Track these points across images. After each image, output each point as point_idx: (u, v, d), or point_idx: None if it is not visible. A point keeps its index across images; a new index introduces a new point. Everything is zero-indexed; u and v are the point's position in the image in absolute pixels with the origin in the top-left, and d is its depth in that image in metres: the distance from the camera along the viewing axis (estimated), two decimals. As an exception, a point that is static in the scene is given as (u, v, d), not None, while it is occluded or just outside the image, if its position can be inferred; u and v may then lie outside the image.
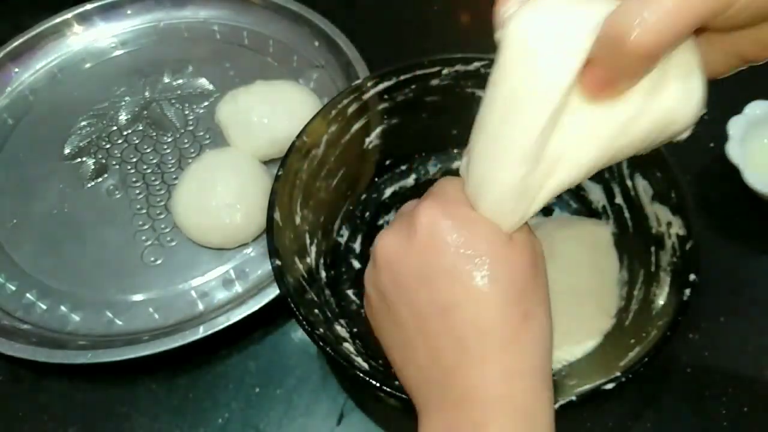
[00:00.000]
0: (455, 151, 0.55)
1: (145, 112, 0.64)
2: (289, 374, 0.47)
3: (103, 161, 0.60)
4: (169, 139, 0.61)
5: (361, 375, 0.36)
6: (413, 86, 0.50)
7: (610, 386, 0.35)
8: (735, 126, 0.53)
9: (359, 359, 0.40)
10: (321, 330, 0.39)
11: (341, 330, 0.43)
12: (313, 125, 0.47)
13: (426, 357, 0.30)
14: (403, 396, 0.36)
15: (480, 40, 0.69)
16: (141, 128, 0.63)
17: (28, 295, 0.52)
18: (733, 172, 0.51)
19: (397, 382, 0.39)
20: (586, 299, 0.44)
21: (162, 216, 0.56)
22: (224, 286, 0.51)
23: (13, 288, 0.52)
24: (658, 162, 0.43)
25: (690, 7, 0.23)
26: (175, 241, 0.54)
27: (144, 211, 0.57)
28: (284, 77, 0.63)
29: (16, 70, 0.67)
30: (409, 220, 0.31)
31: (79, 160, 0.61)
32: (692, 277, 0.38)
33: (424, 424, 0.31)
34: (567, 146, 0.28)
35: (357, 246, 0.51)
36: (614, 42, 0.24)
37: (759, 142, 0.54)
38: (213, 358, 0.48)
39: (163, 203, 0.57)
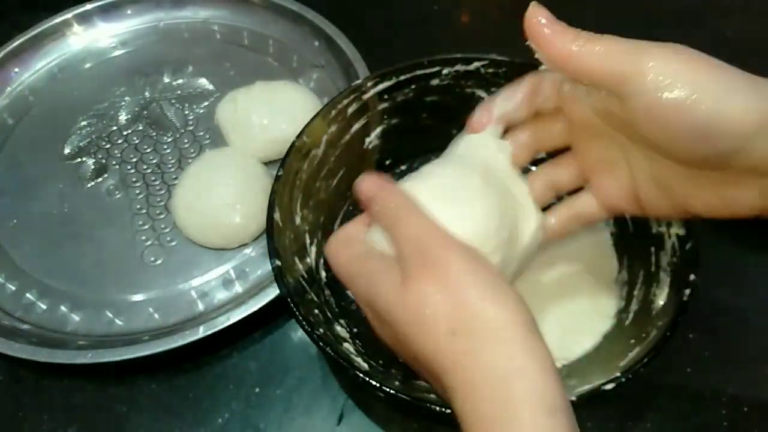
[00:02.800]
0: (455, 151, 0.55)
1: (145, 112, 0.64)
2: (289, 374, 0.47)
3: (103, 161, 0.60)
4: (169, 139, 0.61)
5: (361, 375, 0.36)
6: (413, 86, 0.50)
7: (610, 386, 0.35)
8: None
9: (359, 359, 0.40)
10: (321, 330, 0.39)
11: (341, 330, 0.43)
12: (313, 125, 0.47)
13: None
14: (403, 396, 0.36)
15: (480, 40, 0.70)
16: (141, 128, 0.63)
17: (28, 295, 0.52)
18: (733, 172, 0.51)
19: (397, 383, 0.39)
20: (585, 300, 0.44)
21: (162, 216, 0.56)
22: (224, 286, 0.51)
23: (13, 288, 0.52)
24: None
25: None
26: (175, 241, 0.54)
27: (144, 211, 0.57)
28: (284, 77, 0.63)
29: (16, 70, 0.67)
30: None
31: (79, 160, 0.61)
32: (692, 277, 0.38)
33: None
34: None
35: (357, 246, 0.51)
36: None
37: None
38: (213, 358, 0.48)
39: (163, 203, 0.57)
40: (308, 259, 0.46)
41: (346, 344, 0.42)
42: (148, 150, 0.61)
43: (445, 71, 0.50)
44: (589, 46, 0.28)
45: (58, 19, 0.69)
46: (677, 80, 0.26)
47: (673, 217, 0.33)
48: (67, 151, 0.61)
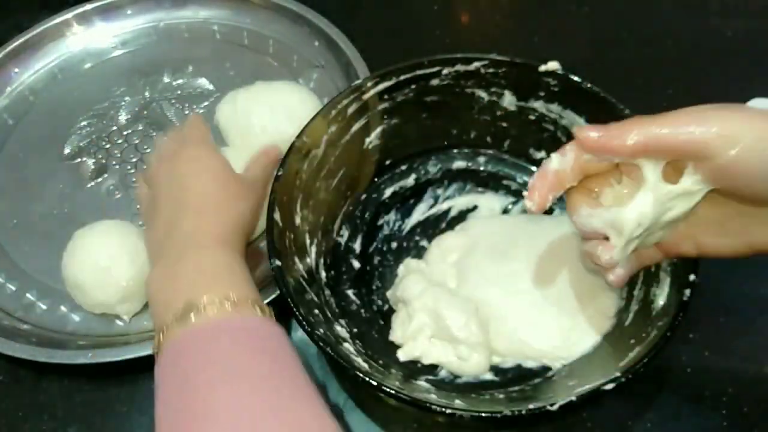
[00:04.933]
0: (455, 151, 0.55)
1: (145, 112, 0.64)
2: (289, 374, 0.47)
3: (103, 161, 0.60)
4: (169, 139, 0.61)
5: (361, 375, 0.36)
6: (413, 86, 0.50)
7: (610, 386, 0.35)
8: (735, 125, 0.52)
9: (359, 359, 0.40)
10: (321, 330, 0.39)
11: (341, 330, 0.43)
12: (313, 125, 0.47)
13: (164, 221, 0.43)
14: (403, 396, 0.36)
15: (480, 40, 0.70)
16: (141, 128, 0.63)
17: (28, 295, 0.52)
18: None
19: (397, 383, 0.39)
20: (585, 299, 0.44)
21: (162, 216, 0.56)
22: (224, 286, 0.51)
23: (13, 288, 0.52)
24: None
25: None
26: (175, 241, 0.54)
27: (144, 211, 0.56)
28: (284, 77, 0.63)
29: (16, 70, 0.67)
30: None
31: (79, 160, 0.61)
32: (692, 277, 0.38)
33: (153, 267, 0.41)
34: None
35: (357, 246, 0.51)
36: None
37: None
38: (213, 358, 0.48)
39: (163, 203, 0.57)
40: (308, 259, 0.46)
41: (346, 344, 0.42)
42: (148, 150, 0.61)
43: (445, 71, 0.50)
44: (654, 128, 0.31)
45: (58, 19, 0.69)
46: (741, 138, 0.29)
47: (735, 256, 0.34)
48: (67, 151, 0.61)
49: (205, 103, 0.64)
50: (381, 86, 0.49)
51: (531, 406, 0.35)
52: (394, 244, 0.51)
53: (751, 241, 0.33)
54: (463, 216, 0.53)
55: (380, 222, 0.53)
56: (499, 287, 0.46)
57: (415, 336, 0.44)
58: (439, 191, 0.54)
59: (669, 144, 0.31)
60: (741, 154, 0.29)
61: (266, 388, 0.32)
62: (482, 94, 0.51)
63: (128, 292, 0.48)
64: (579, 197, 0.35)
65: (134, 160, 0.60)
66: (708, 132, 0.29)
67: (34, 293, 0.52)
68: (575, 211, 0.36)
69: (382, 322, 0.47)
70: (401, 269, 0.49)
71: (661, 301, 0.40)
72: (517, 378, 0.43)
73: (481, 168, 0.55)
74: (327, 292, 0.46)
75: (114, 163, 0.60)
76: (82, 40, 0.70)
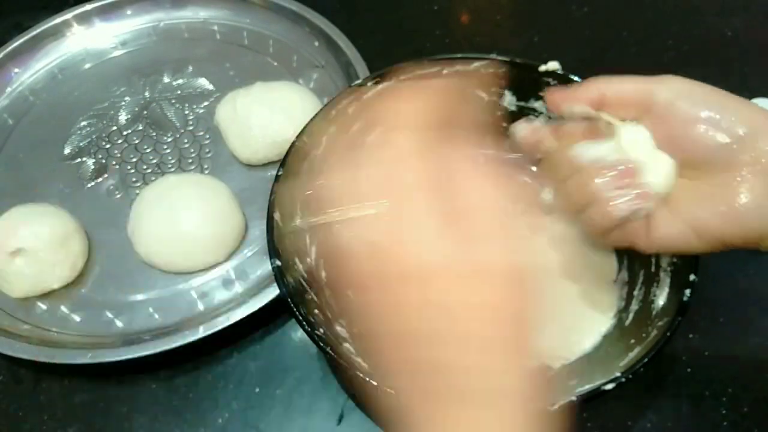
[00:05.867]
0: (455, 151, 0.55)
1: (145, 112, 0.64)
2: (289, 374, 0.47)
3: (103, 161, 0.60)
4: (169, 139, 0.61)
5: (361, 375, 0.36)
6: (413, 86, 0.50)
7: (610, 386, 0.35)
8: (735, 126, 0.52)
9: (359, 359, 0.40)
10: (321, 330, 0.39)
11: (341, 330, 0.43)
12: (313, 125, 0.47)
13: None
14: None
15: (480, 40, 0.70)
16: (141, 128, 0.63)
17: (28, 295, 0.52)
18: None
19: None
20: (585, 299, 0.44)
21: (162, 216, 0.56)
22: (224, 286, 0.51)
23: (13, 288, 0.52)
24: (658, 162, 0.43)
25: None
26: (175, 241, 0.54)
27: (144, 211, 0.56)
28: (284, 77, 0.63)
29: (16, 70, 0.67)
30: None
31: (79, 160, 0.61)
32: (692, 277, 0.38)
33: None
34: None
35: (357, 246, 0.51)
36: None
37: (759, 142, 0.54)
38: (213, 358, 0.48)
39: (163, 203, 0.57)
40: (308, 259, 0.46)
41: (346, 344, 0.42)
42: (148, 150, 0.61)
43: (445, 71, 0.50)
44: (609, 81, 0.36)
45: (58, 19, 0.69)
46: (679, 88, 0.34)
47: (706, 251, 0.34)
48: (67, 151, 0.61)
49: (205, 103, 0.64)
50: (381, 86, 0.49)
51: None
52: (394, 244, 0.51)
53: (695, 223, 0.33)
54: (463, 216, 0.53)
55: (380, 222, 0.52)
56: (499, 287, 0.46)
57: None
58: (439, 191, 0.54)
59: (621, 91, 0.36)
60: (677, 98, 0.34)
61: None
62: (482, 94, 0.51)
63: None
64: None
65: (134, 160, 0.60)
66: (651, 81, 0.35)
67: (34, 293, 0.52)
68: (571, 148, 0.36)
69: (382, 322, 0.47)
70: None
71: (661, 301, 0.40)
72: (517, 378, 0.43)
73: (481, 168, 0.55)
74: (327, 292, 0.46)
75: (114, 163, 0.60)
76: (82, 40, 0.70)
